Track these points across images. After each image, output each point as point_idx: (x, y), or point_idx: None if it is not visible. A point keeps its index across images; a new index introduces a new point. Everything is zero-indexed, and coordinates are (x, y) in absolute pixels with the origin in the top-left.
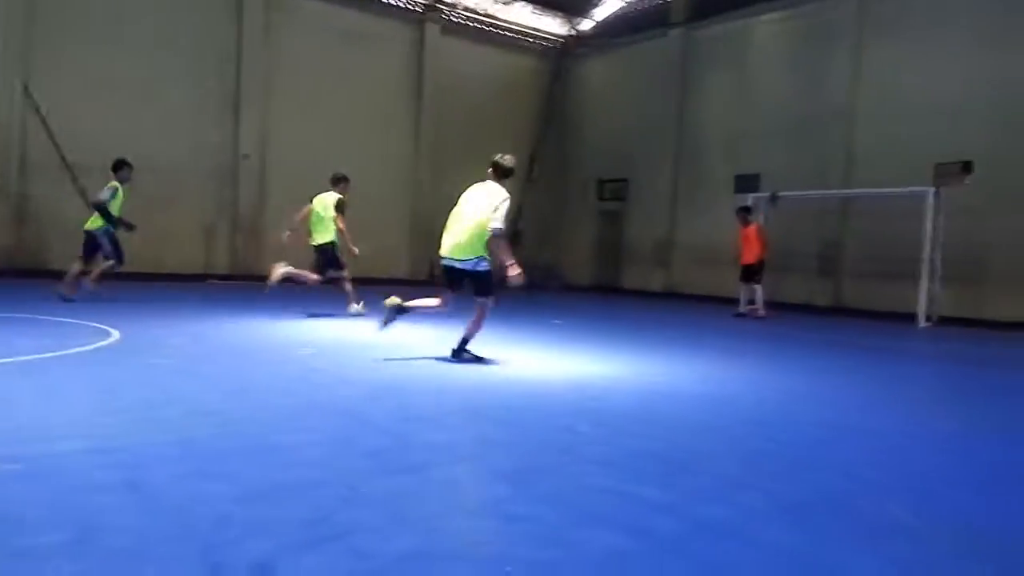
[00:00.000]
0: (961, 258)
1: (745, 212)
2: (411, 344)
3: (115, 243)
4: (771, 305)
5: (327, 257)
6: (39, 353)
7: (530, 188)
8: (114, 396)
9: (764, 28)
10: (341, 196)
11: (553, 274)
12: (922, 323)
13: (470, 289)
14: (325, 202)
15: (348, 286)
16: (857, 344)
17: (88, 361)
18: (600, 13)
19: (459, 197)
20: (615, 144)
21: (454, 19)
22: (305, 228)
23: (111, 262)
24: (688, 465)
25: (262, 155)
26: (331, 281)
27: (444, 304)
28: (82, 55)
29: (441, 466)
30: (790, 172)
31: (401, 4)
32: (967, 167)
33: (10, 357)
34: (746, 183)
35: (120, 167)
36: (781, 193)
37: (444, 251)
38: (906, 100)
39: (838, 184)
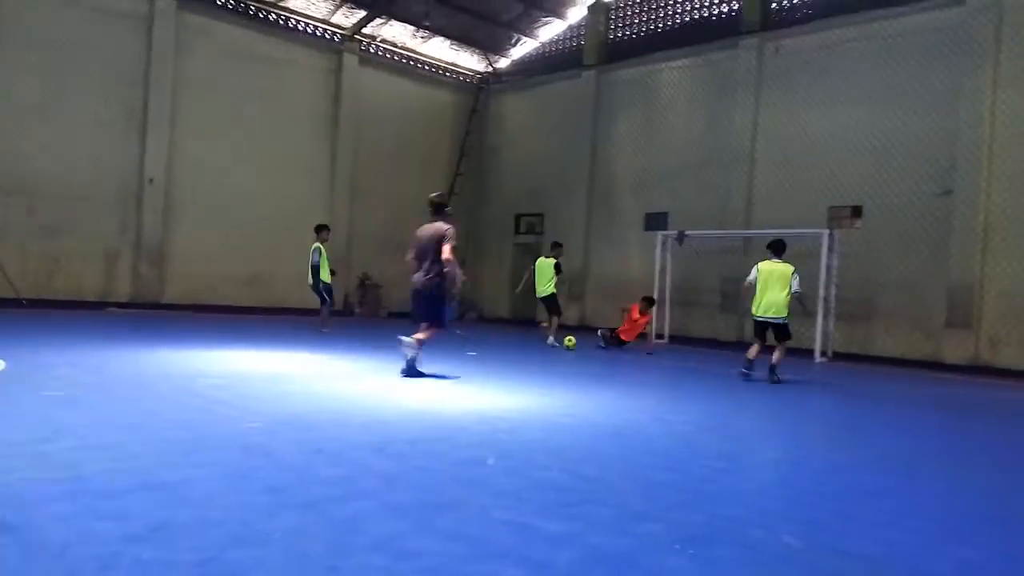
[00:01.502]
0: (852, 297)
1: (647, 303)
2: (321, 377)
3: (327, 291)
4: (678, 339)
5: (553, 304)
6: None
7: (447, 221)
8: None
9: (671, 73)
10: (558, 261)
11: (469, 306)
12: (818, 358)
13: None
14: (542, 266)
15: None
16: (758, 378)
17: None
18: (517, 52)
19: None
20: (531, 179)
21: (372, 50)
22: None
23: (326, 305)
24: (592, 496)
25: (169, 179)
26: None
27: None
28: None
29: (342, 501)
30: (695, 211)
31: (318, 33)
32: (857, 211)
33: None
34: (655, 221)
35: (321, 230)
36: (687, 232)
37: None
38: (800, 146)
39: (740, 224)
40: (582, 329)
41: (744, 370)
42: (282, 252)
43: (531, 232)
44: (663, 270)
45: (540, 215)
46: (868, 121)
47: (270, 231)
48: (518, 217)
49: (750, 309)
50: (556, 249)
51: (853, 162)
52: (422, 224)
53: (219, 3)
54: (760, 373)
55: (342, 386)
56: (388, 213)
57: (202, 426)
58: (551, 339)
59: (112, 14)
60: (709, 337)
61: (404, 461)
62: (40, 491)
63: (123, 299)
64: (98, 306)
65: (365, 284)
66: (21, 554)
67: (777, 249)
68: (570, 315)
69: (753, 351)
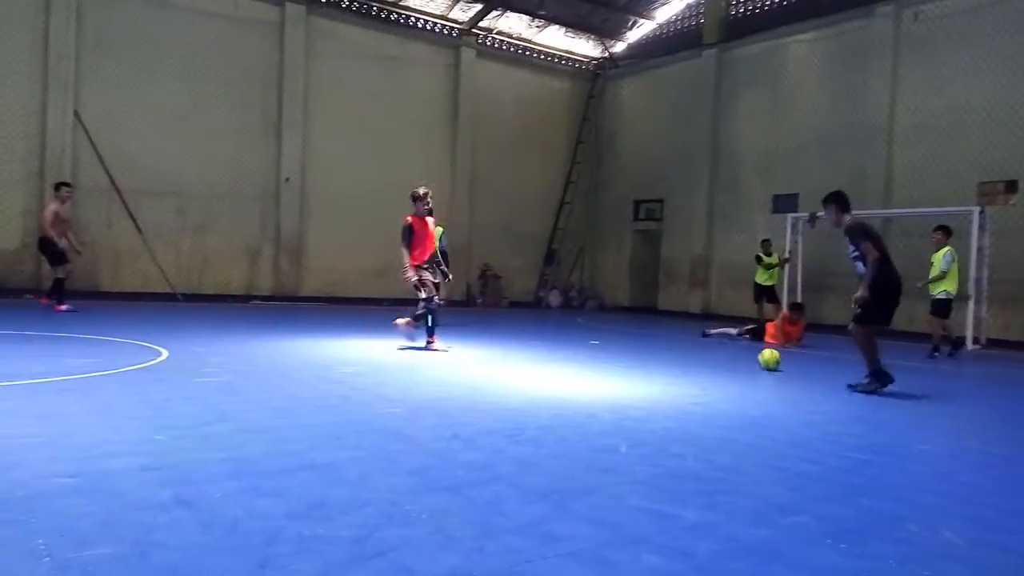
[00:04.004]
0: (1009, 278)
1: (798, 311)
2: (450, 364)
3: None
4: (811, 327)
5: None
6: (91, 372)
7: (565, 210)
8: (165, 414)
9: (798, 47)
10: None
11: (589, 295)
12: (970, 345)
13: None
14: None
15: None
16: (901, 367)
17: (139, 379)
18: (634, 35)
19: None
20: (650, 164)
21: (489, 43)
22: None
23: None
24: (730, 486)
25: (303, 178)
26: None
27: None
28: (127, 81)
29: (481, 485)
30: (828, 191)
31: (437, 29)
32: (1011, 186)
33: (64, 375)
34: (784, 203)
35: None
36: (819, 214)
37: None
38: (945, 118)
39: (877, 203)
40: (707, 318)
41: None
42: None
43: (651, 218)
44: (792, 253)
45: (660, 200)
46: (1020, 89)
47: (396, 225)
48: (637, 203)
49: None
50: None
51: (1004, 134)
52: (539, 211)
53: (344, 6)
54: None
55: (470, 374)
56: (507, 203)
57: (345, 411)
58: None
59: (246, 22)
60: (843, 324)
61: (538, 447)
62: (209, 470)
63: (265, 293)
64: (243, 299)
65: (486, 275)
66: (199, 527)
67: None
68: (693, 302)
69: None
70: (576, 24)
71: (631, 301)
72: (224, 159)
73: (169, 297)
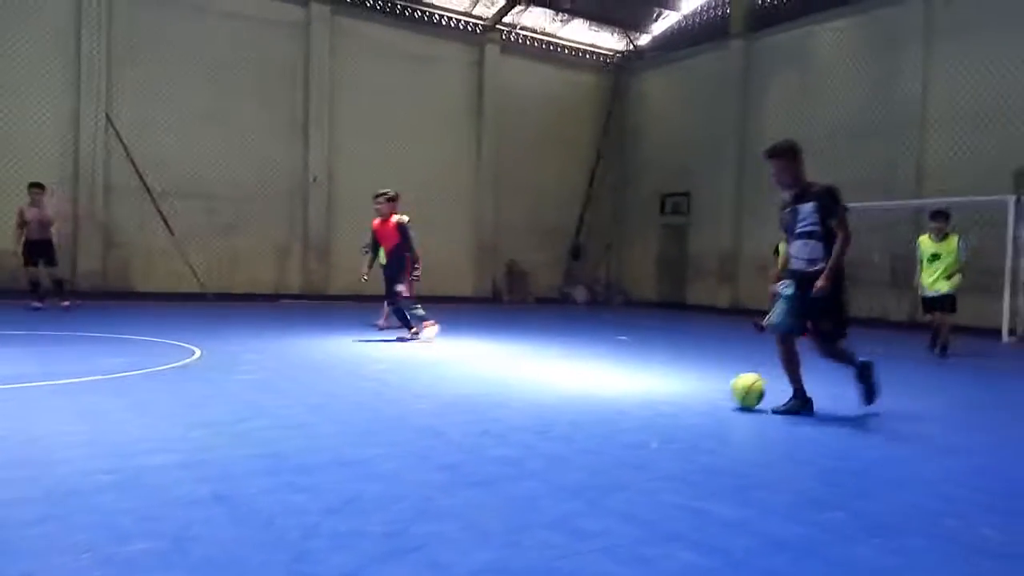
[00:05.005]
0: None
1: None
2: (479, 361)
3: None
4: None
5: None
6: (128, 371)
7: (591, 204)
8: (200, 411)
9: (827, 35)
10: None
11: (615, 290)
12: (1006, 338)
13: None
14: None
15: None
16: (935, 360)
17: (174, 377)
18: (658, 27)
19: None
20: (676, 157)
21: (513, 39)
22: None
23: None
24: (763, 482)
25: (330, 176)
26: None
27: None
28: (156, 84)
29: (513, 480)
30: (858, 181)
31: (461, 26)
32: None
33: (102, 374)
34: None
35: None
36: (849, 205)
37: None
38: (979, 105)
39: (909, 193)
40: (736, 312)
41: None
42: (432, 243)
43: (677, 212)
44: None
45: (686, 194)
46: None
47: (421, 224)
48: (663, 197)
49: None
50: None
51: None
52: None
53: (368, 4)
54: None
55: (499, 370)
56: (533, 199)
57: (376, 408)
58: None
59: (272, 23)
60: (877, 317)
61: (569, 443)
62: (244, 466)
63: (294, 291)
64: (272, 298)
65: (512, 271)
66: (235, 522)
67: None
68: (722, 297)
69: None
70: (600, 17)
71: (658, 296)
72: (252, 159)
73: (200, 296)
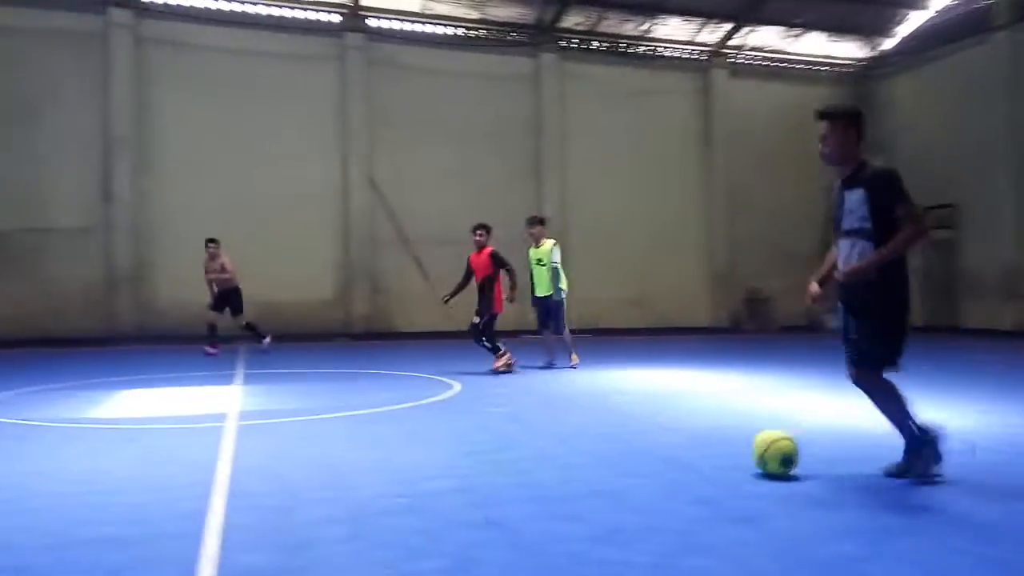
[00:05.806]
0: None
1: None
2: (725, 396)
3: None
4: None
5: None
6: (401, 403)
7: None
8: (464, 440)
9: None
10: None
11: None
12: None
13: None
14: None
15: None
16: None
17: (439, 410)
18: (904, 29)
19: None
20: (935, 167)
21: (740, 60)
22: None
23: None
24: None
25: (563, 215)
26: None
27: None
28: (408, 145)
29: (779, 518)
30: None
31: (684, 55)
32: None
33: (379, 407)
34: None
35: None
36: None
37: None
38: None
39: None
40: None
41: None
42: (661, 273)
43: (942, 226)
44: None
45: (951, 206)
46: None
47: (650, 254)
48: (924, 211)
49: None
50: None
51: None
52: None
53: (592, 48)
54: None
55: (747, 404)
56: (770, 221)
57: (625, 439)
58: None
59: (505, 78)
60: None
61: (829, 481)
62: (508, 493)
63: (533, 327)
64: (513, 334)
65: (753, 299)
66: (509, 547)
67: None
68: (1006, 318)
69: None
70: (836, 27)
71: (925, 319)
72: (492, 206)
73: (455, 335)
